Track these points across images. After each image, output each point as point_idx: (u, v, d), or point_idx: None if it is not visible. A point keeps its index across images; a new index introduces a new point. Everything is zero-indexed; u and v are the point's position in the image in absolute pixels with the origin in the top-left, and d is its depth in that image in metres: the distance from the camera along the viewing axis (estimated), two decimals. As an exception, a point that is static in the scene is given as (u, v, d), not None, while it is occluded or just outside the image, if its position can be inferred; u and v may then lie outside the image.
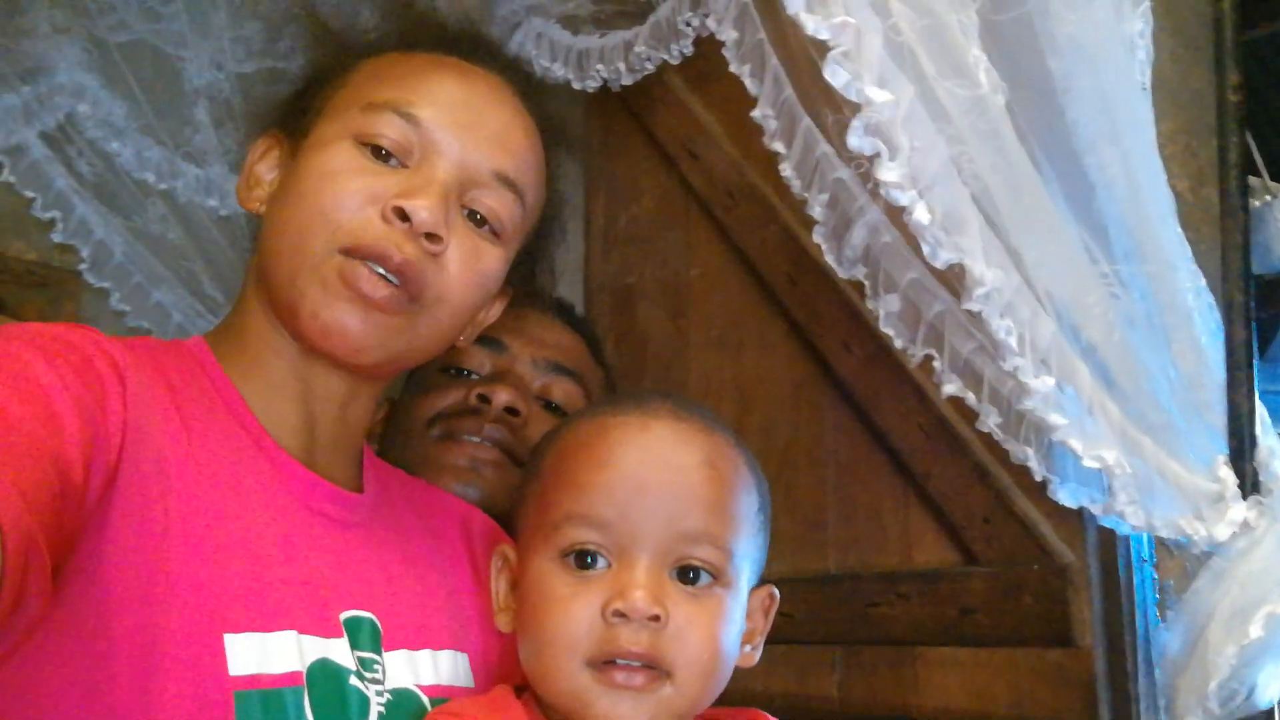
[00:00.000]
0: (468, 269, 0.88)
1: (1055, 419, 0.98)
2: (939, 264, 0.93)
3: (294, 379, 0.88)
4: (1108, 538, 1.29)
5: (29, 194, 2.00)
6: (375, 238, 0.83)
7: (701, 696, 0.81)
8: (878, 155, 0.89)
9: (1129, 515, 1.04)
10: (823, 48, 1.28)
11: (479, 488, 1.21)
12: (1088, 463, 1.00)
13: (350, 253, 0.84)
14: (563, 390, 1.32)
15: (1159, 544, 1.34)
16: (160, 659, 0.71)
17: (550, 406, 1.31)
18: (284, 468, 0.86)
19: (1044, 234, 1.00)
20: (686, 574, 0.80)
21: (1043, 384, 0.96)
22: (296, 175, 0.88)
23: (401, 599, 0.89)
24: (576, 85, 1.70)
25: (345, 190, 0.85)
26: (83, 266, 2.05)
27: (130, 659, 0.70)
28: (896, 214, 1.27)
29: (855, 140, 0.90)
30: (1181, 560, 1.32)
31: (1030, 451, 1.19)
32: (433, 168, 0.87)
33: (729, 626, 0.82)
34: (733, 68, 1.39)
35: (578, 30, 1.72)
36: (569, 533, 0.80)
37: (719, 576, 0.81)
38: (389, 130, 0.86)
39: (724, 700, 1.59)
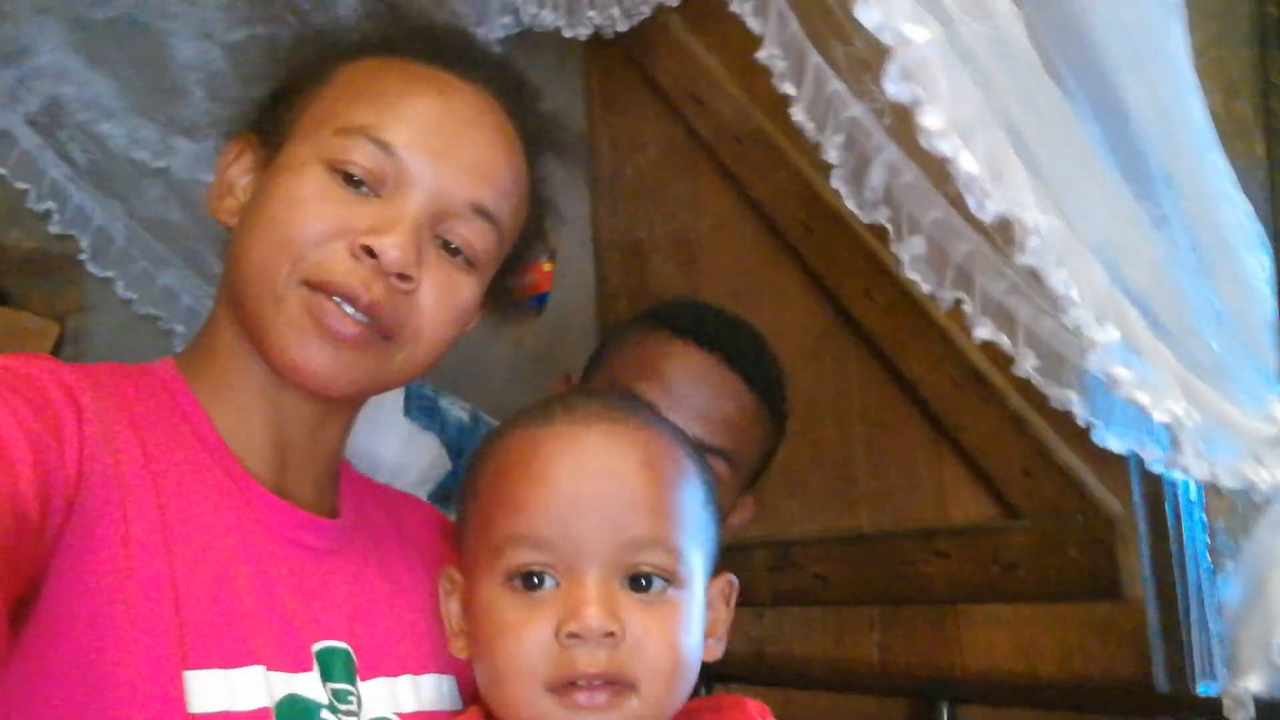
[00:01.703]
0: (442, 304, 0.84)
1: (1121, 373, 0.91)
2: (988, 217, 0.85)
3: (264, 401, 0.84)
4: (1153, 483, 1.23)
5: (22, 185, 1.95)
6: (343, 274, 0.79)
7: (668, 703, 0.78)
8: (916, 102, 0.81)
9: (1194, 468, 0.96)
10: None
11: None
12: (1158, 417, 0.93)
13: (316, 287, 0.80)
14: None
15: (1206, 486, 1.27)
16: (113, 698, 0.68)
17: None
18: (254, 496, 0.82)
19: (1082, 174, 0.92)
20: (638, 582, 0.77)
21: (1107, 335, 0.89)
22: (264, 197, 0.83)
23: (379, 625, 0.86)
24: (568, 33, 1.62)
25: (312, 220, 0.80)
26: (83, 257, 2.00)
27: (80, 697, 0.67)
28: (916, 151, 1.20)
29: (892, 86, 0.82)
30: (1229, 500, 1.26)
31: (1073, 395, 1.12)
32: (405, 200, 0.82)
33: (688, 629, 0.79)
34: (733, 6, 1.31)
35: (568, -29, 1.64)
36: (512, 555, 0.77)
37: (671, 580, 0.78)
38: (361, 158, 0.82)
39: (763, 664, 1.56)
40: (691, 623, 0.79)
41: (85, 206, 2.01)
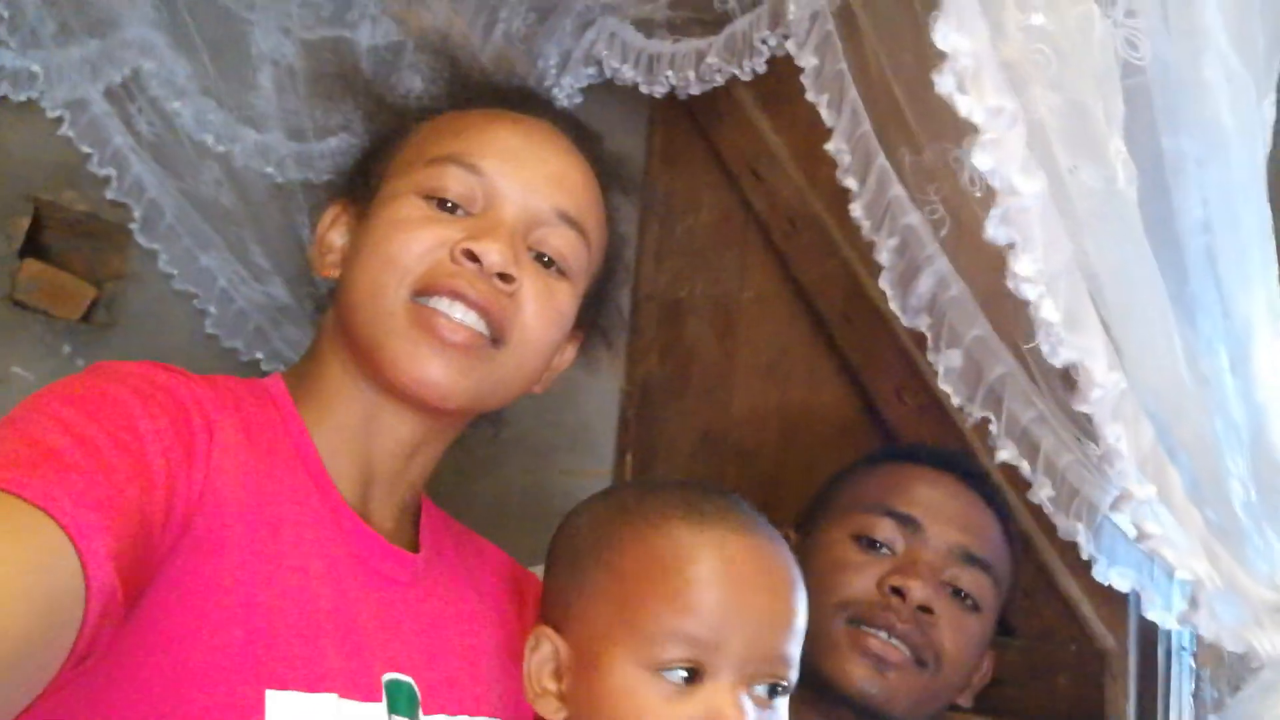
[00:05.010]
0: (543, 306, 0.89)
1: (1151, 528, 0.95)
2: (1057, 363, 0.89)
3: (362, 426, 0.89)
4: (1149, 624, 1.25)
5: (86, 149, 1.99)
6: (448, 275, 0.85)
7: None
8: (1012, 246, 0.86)
9: (1204, 628, 0.99)
10: (914, 88, 1.23)
11: (881, 688, 1.14)
12: (1181, 575, 0.97)
13: (423, 293, 0.85)
14: (972, 580, 1.19)
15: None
16: (196, 710, 0.71)
17: (958, 594, 1.19)
18: (345, 522, 0.86)
19: (1149, 329, 0.95)
20: (774, 691, 0.84)
21: (1144, 492, 0.92)
22: (367, 231, 0.90)
23: (445, 662, 0.89)
24: (644, 88, 1.66)
25: (415, 237, 0.86)
26: (134, 226, 2.03)
27: (164, 707, 0.71)
28: (965, 267, 1.23)
29: (993, 230, 0.86)
30: (1218, 650, 1.27)
31: (1081, 527, 1.14)
32: (498, 212, 0.89)
33: None
34: (810, 96, 1.35)
35: (651, 34, 1.69)
36: (671, 649, 0.81)
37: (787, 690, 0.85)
38: (452, 182, 0.89)
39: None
40: None
41: (143, 178, 2.04)
